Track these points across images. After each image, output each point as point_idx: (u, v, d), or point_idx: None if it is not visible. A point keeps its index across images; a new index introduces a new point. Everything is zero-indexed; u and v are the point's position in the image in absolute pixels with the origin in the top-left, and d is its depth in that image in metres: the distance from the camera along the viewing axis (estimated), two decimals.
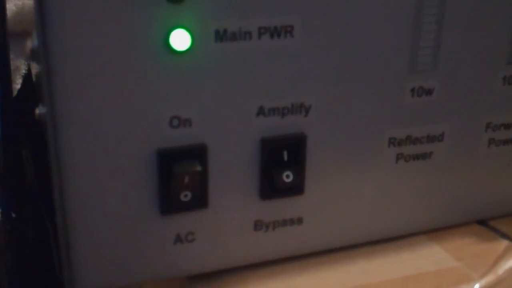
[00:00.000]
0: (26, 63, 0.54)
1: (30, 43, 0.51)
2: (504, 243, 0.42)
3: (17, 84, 0.55)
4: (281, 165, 0.36)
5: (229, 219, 0.36)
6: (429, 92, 0.38)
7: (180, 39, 0.32)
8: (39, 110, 0.44)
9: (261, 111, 0.35)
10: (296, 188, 0.37)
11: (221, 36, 0.32)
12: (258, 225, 0.37)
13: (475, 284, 0.38)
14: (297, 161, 0.36)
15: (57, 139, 0.32)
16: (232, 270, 0.38)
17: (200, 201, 0.35)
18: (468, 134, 0.41)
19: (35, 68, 0.46)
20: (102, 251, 0.34)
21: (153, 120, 0.33)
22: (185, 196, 0.34)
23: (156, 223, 0.35)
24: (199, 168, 0.34)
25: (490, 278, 0.39)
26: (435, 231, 0.43)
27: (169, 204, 0.34)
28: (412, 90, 0.38)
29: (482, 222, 0.45)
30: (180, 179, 0.34)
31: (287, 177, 0.36)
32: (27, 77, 0.55)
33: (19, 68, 0.55)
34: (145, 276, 0.36)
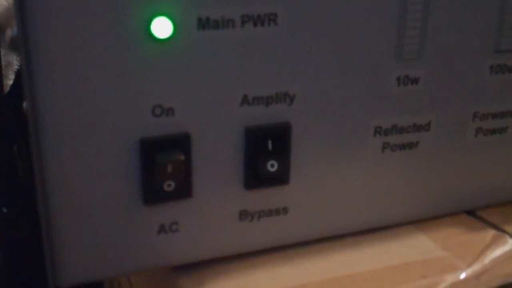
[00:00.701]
0: (18, 58, 0.54)
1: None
2: (491, 232, 0.42)
3: (10, 80, 0.55)
4: (265, 154, 0.36)
5: (214, 209, 0.36)
6: (415, 81, 0.38)
7: (162, 27, 0.31)
8: (25, 104, 0.44)
9: (245, 100, 0.35)
10: (281, 178, 0.37)
11: (203, 24, 0.32)
12: (243, 215, 0.37)
13: (461, 273, 0.38)
14: (282, 151, 0.36)
15: (37, 131, 0.31)
16: (217, 260, 0.38)
17: (184, 191, 0.35)
18: (455, 124, 0.41)
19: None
20: (85, 242, 0.34)
21: (136, 109, 0.33)
22: (169, 186, 0.34)
23: (140, 213, 0.35)
24: (182, 157, 0.33)
25: (476, 267, 0.39)
26: (423, 221, 0.43)
27: (152, 194, 0.34)
28: (398, 79, 0.38)
29: (470, 212, 0.45)
30: (163, 168, 0.33)
31: (272, 166, 0.36)
32: (19, 73, 0.55)
33: (12, 63, 0.54)
34: (129, 267, 0.36)
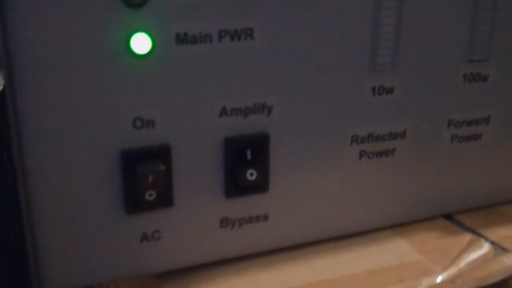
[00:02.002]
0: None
1: None
2: (467, 236, 0.43)
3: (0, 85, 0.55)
4: (245, 163, 0.37)
5: (195, 217, 0.37)
6: (389, 90, 0.39)
7: (141, 43, 0.32)
8: None
9: (223, 111, 0.36)
10: (261, 186, 0.38)
11: (181, 39, 0.33)
12: (224, 222, 0.38)
13: (437, 277, 0.39)
14: (261, 160, 0.37)
15: (20, 141, 0.32)
16: (198, 267, 0.39)
17: (165, 200, 0.36)
18: (431, 131, 0.42)
19: None
20: (69, 251, 0.35)
21: (117, 122, 0.34)
22: (150, 195, 0.35)
23: (122, 222, 0.36)
24: (162, 167, 0.34)
25: (452, 270, 0.40)
26: (401, 226, 0.44)
27: (134, 203, 0.35)
28: (373, 89, 0.39)
29: (448, 216, 0.46)
30: (144, 178, 0.34)
31: (251, 175, 0.37)
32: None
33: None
34: (112, 274, 0.37)
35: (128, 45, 0.32)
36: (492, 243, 0.42)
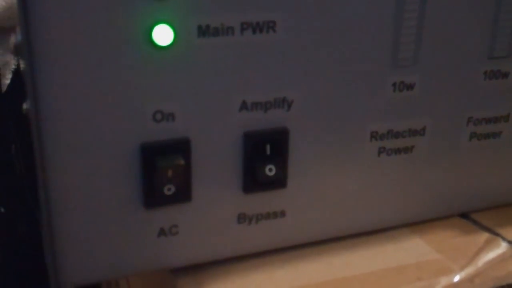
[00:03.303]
0: (16, 57, 0.54)
1: (14, 39, 0.51)
2: (484, 235, 0.43)
3: (7, 79, 0.55)
4: (263, 159, 0.36)
5: (213, 212, 0.37)
6: (410, 87, 0.39)
7: (163, 35, 0.32)
8: (26, 105, 0.44)
9: (244, 106, 0.35)
10: (279, 182, 0.37)
11: (203, 31, 0.33)
12: (241, 218, 0.38)
13: (455, 276, 0.39)
14: (280, 155, 0.37)
15: (40, 134, 0.32)
16: (215, 263, 0.38)
17: (183, 194, 0.35)
18: (450, 128, 0.41)
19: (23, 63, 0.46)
20: (86, 245, 0.35)
21: (137, 115, 0.33)
22: (169, 189, 0.34)
23: (140, 217, 0.35)
24: (182, 162, 0.34)
25: (469, 270, 0.39)
26: (418, 224, 0.43)
27: (153, 197, 0.35)
28: (394, 84, 0.38)
29: (464, 215, 0.45)
30: (163, 173, 0.34)
31: (270, 170, 0.36)
32: (17, 72, 0.55)
33: (9, 63, 0.55)
34: (129, 269, 0.36)
35: (150, 37, 0.32)
36: (509, 242, 0.42)
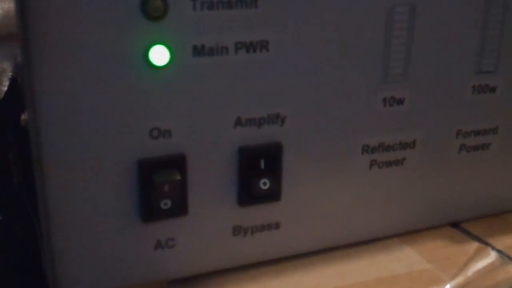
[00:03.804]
0: (13, 65, 0.55)
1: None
2: (475, 245, 0.44)
3: (4, 87, 0.56)
4: (258, 173, 0.37)
5: (209, 225, 0.38)
6: (400, 101, 0.40)
7: (159, 55, 0.33)
8: (24, 116, 0.45)
9: (238, 122, 0.36)
10: (273, 195, 0.38)
11: (199, 51, 0.34)
12: (237, 230, 0.39)
13: (445, 286, 0.40)
14: (274, 169, 0.38)
15: (40, 149, 0.33)
16: (211, 274, 0.39)
17: (180, 208, 0.36)
18: (440, 141, 0.42)
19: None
20: (85, 257, 0.36)
21: (134, 132, 0.34)
22: (165, 204, 0.35)
23: (138, 230, 0.36)
24: (178, 177, 0.35)
25: (460, 279, 0.40)
26: (409, 234, 0.44)
27: (150, 212, 0.36)
28: (384, 100, 0.39)
29: (455, 225, 0.46)
30: (160, 188, 0.35)
31: (264, 184, 0.37)
32: (14, 80, 0.55)
33: (6, 70, 0.55)
34: (127, 280, 0.37)
35: (147, 57, 0.33)
36: (499, 251, 0.43)
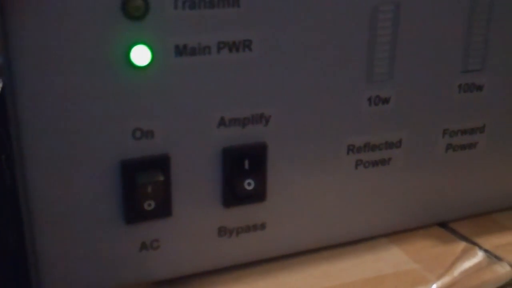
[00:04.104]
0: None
1: None
2: (462, 244, 0.44)
3: None
4: (243, 173, 0.37)
5: (193, 227, 0.37)
6: (385, 101, 0.40)
7: (140, 55, 0.33)
8: None
9: (222, 122, 0.36)
10: (258, 195, 0.38)
11: (180, 51, 0.34)
12: (222, 231, 0.38)
13: (431, 286, 0.40)
14: (258, 169, 0.38)
15: (21, 150, 0.33)
16: (197, 276, 0.39)
17: (164, 209, 0.36)
18: (426, 140, 0.42)
19: None
20: (69, 259, 0.35)
21: (116, 132, 0.34)
22: (149, 205, 0.35)
23: (122, 232, 0.36)
24: (161, 178, 0.35)
25: (446, 279, 0.40)
26: (396, 234, 0.44)
27: (133, 213, 0.35)
28: (369, 99, 0.39)
29: (443, 225, 0.46)
30: (143, 189, 0.35)
31: (249, 185, 0.37)
32: (4, 84, 0.55)
33: None
34: (111, 282, 0.37)
35: (128, 57, 0.33)
36: (486, 251, 0.43)
